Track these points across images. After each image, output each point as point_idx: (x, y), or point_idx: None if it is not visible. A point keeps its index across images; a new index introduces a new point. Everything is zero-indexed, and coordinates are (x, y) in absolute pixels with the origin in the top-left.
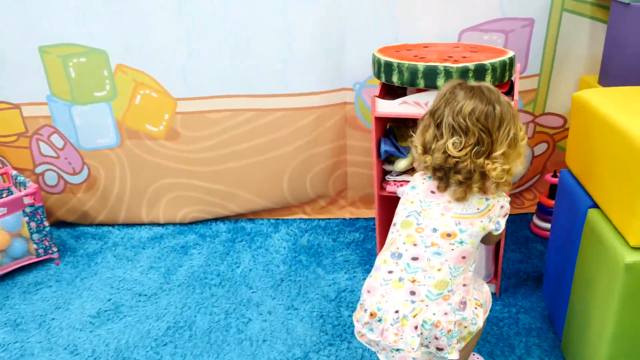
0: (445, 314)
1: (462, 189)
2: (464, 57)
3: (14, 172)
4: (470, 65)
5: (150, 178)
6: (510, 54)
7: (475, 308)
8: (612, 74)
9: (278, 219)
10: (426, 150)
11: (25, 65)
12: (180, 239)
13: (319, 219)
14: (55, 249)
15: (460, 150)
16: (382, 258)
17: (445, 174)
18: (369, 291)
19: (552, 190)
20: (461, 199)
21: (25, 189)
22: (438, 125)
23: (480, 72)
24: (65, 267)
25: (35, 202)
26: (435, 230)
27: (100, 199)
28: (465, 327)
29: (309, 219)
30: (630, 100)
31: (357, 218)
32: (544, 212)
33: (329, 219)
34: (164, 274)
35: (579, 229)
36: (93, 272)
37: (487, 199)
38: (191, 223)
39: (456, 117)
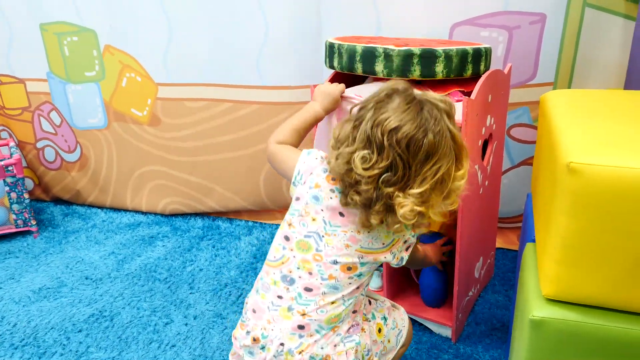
0: (335, 345)
1: (365, 215)
2: (422, 45)
3: (12, 144)
4: (416, 49)
5: (135, 163)
6: (482, 45)
7: (379, 330)
8: (637, 81)
9: (256, 222)
10: (337, 147)
11: (29, 41)
12: (154, 229)
13: None
14: (34, 222)
15: (366, 170)
16: (272, 278)
17: (345, 188)
18: (254, 311)
19: None
20: (366, 227)
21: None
22: (355, 127)
23: (428, 58)
24: (39, 242)
25: (16, 174)
26: (335, 262)
27: (91, 179)
28: (368, 351)
29: None
30: (601, 104)
31: None
32: None
33: None
34: (120, 261)
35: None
36: (60, 249)
37: (393, 233)
38: (171, 215)
39: (375, 128)
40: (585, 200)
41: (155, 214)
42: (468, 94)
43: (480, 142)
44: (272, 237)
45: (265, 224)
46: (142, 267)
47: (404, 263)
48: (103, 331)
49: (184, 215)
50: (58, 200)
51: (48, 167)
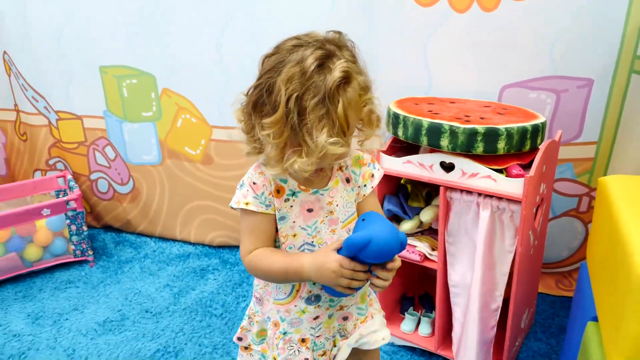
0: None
1: None
2: (482, 119)
3: (69, 177)
4: (480, 128)
5: (185, 197)
6: (541, 119)
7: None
8: None
9: None
10: None
11: (88, 81)
12: (204, 260)
13: None
14: (91, 252)
15: None
16: None
17: None
18: None
19: None
20: None
21: (72, 193)
22: None
23: (491, 136)
24: (96, 271)
25: (77, 207)
26: None
27: (142, 210)
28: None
29: None
30: None
31: None
32: None
33: None
34: (176, 294)
35: (578, 342)
36: (117, 280)
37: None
38: (219, 247)
39: None
40: None
41: (204, 245)
42: (525, 166)
43: (534, 210)
44: None
45: None
46: (198, 302)
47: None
48: None
49: (231, 247)
50: (108, 228)
51: (100, 197)
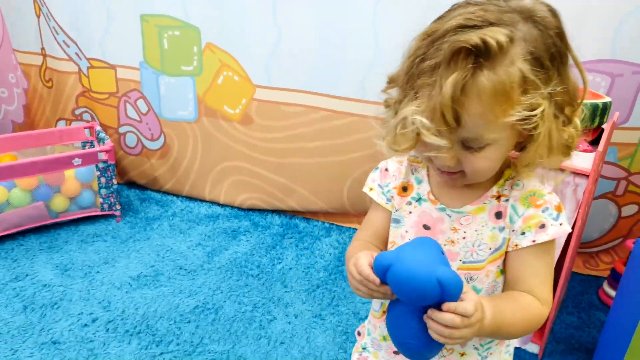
0: None
1: None
2: None
3: (98, 128)
4: None
5: (218, 157)
6: (607, 98)
7: None
8: None
9: (332, 224)
10: None
11: (127, 30)
12: (234, 222)
13: None
14: (118, 207)
15: None
16: None
17: None
18: None
19: None
20: None
21: (103, 145)
22: None
23: None
24: (124, 226)
25: (108, 160)
26: None
27: (170, 168)
28: None
29: None
30: None
31: None
32: (616, 279)
33: None
34: (209, 253)
35: (635, 314)
36: (147, 236)
37: None
38: (248, 209)
39: None
40: None
41: (232, 207)
42: (591, 143)
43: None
44: (350, 240)
45: (342, 226)
46: (232, 261)
47: None
48: (211, 324)
49: (261, 210)
50: (132, 184)
51: (128, 152)
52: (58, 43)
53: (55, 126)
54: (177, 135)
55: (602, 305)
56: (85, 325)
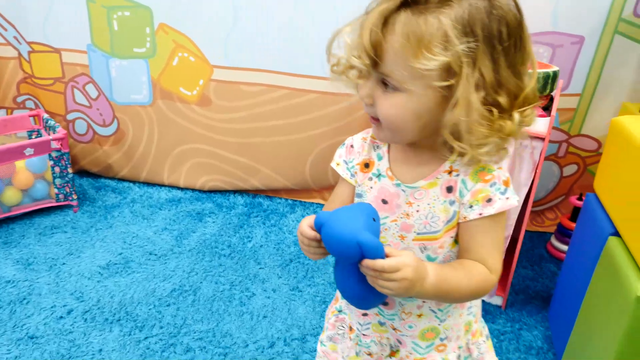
0: None
1: None
2: None
3: (46, 116)
4: None
5: (176, 140)
6: (555, 67)
7: None
8: None
9: (295, 200)
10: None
11: (71, 11)
12: (197, 205)
13: None
14: (75, 197)
15: None
16: None
17: None
18: None
19: (575, 214)
20: None
21: (54, 133)
22: None
23: None
24: (82, 216)
25: (62, 148)
26: None
27: (125, 154)
28: None
29: None
30: None
31: None
32: (563, 234)
33: None
34: (177, 237)
35: (597, 254)
36: (109, 224)
37: None
38: (210, 191)
39: None
40: None
41: (194, 190)
42: (544, 109)
43: None
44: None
45: (305, 202)
46: (202, 243)
47: None
48: (191, 305)
49: (222, 191)
50: (84, 173)
51: (78, 139)
52: None
53: None
54: (132, 119)
55: (552, 258)
56: (61, 317)
